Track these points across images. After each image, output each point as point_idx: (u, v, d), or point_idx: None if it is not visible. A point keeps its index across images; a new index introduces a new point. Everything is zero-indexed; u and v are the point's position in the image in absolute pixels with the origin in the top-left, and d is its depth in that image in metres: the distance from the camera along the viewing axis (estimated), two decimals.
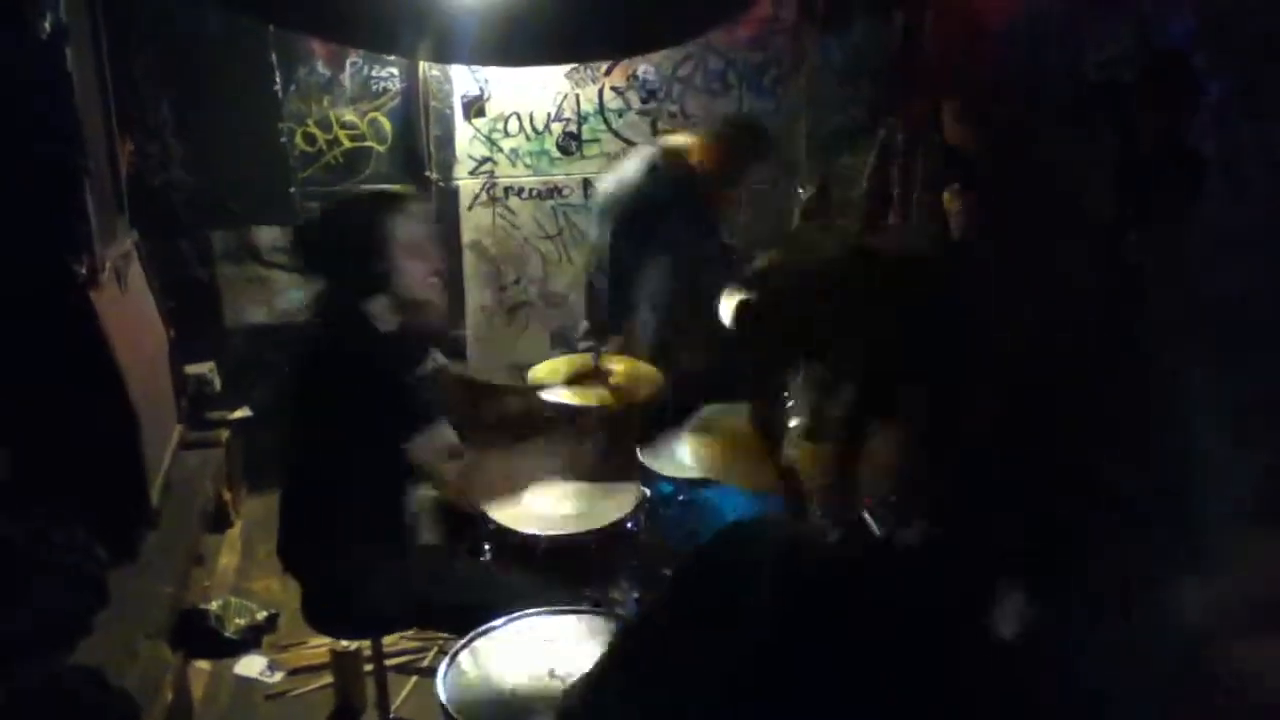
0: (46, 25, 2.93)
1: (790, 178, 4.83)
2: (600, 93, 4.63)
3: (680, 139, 3.78)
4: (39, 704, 2.58)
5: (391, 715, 3.06)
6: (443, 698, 2.11)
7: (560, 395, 3.13)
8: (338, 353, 2.57)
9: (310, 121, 4.48)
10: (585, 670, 1.21)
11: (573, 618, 2.37)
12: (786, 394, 2.12)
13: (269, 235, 4.56)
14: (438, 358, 2.83)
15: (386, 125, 4.54)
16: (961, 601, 0.99)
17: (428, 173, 4.57)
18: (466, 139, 4.60)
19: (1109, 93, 4.34)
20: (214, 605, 3.56)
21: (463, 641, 2.27)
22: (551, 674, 2.17)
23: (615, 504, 2.95)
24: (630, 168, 3.74)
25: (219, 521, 4.17)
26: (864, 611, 1.00)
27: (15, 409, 3.19)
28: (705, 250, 3.59)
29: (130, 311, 3.53)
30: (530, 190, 4.71)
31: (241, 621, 3.55)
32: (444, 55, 3.93)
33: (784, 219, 4.82)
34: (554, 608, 2.40)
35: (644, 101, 4.67)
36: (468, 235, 4.69)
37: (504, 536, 2.85)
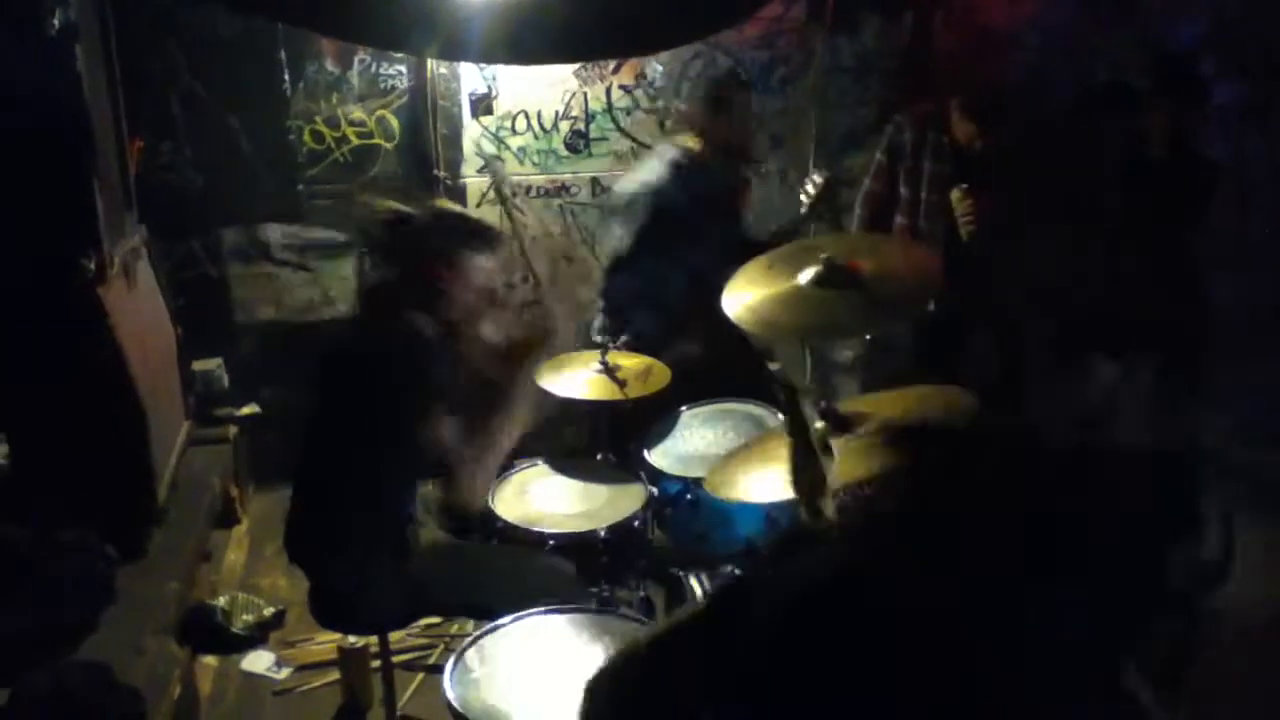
0: (56, 23, 2.94)
1: (799, 175, 4.82)
2: (608, 91, 4.63)
3: (692, 136, 3.78)
4: (47, 701, 2.59)
5: (398, 712, 3.07)
6: (450, 695, 2.11)
7: (568, 389, 3.13)
8: (375, 350, 2.59)
9: (318, 119, 4.48)
10: (607, 662, 1.21)
11: (579, 616, 2.38)
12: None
13: (277, 233, 4.56)
14: None
15: (394, 123, 4.54)
16: (979, 608, 0.99)
17: (436, 171, 4.58)
18: (474, 137, 4.60)
19: (1116, 95, 4.33)
20: (221, 601, 3.57)
21: (470, 639, 2.28)
22: (558, 672, 2.17)
23: (622, 503, 2.96)
24: (652, 168, 3.75)
25: (226, 518, 4.18)
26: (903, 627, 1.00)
27: (23, 405, 3.20)
28: (727, 246, 3.59)
29: (138, 308, 3.54)
30: (538, 189, 4.71)
31: (249, 618, 3.56)
32: (452, 53, 3.93)
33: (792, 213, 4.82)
34: (560, 606, 2.41)
35: (652, 100, 4.67)
36: None
37: (512, 535, 2.86)
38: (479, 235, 2.72)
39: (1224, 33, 4.57)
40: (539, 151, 4.66)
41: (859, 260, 2.48)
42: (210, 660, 3.49)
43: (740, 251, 3.45)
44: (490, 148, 4.61)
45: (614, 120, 4.67)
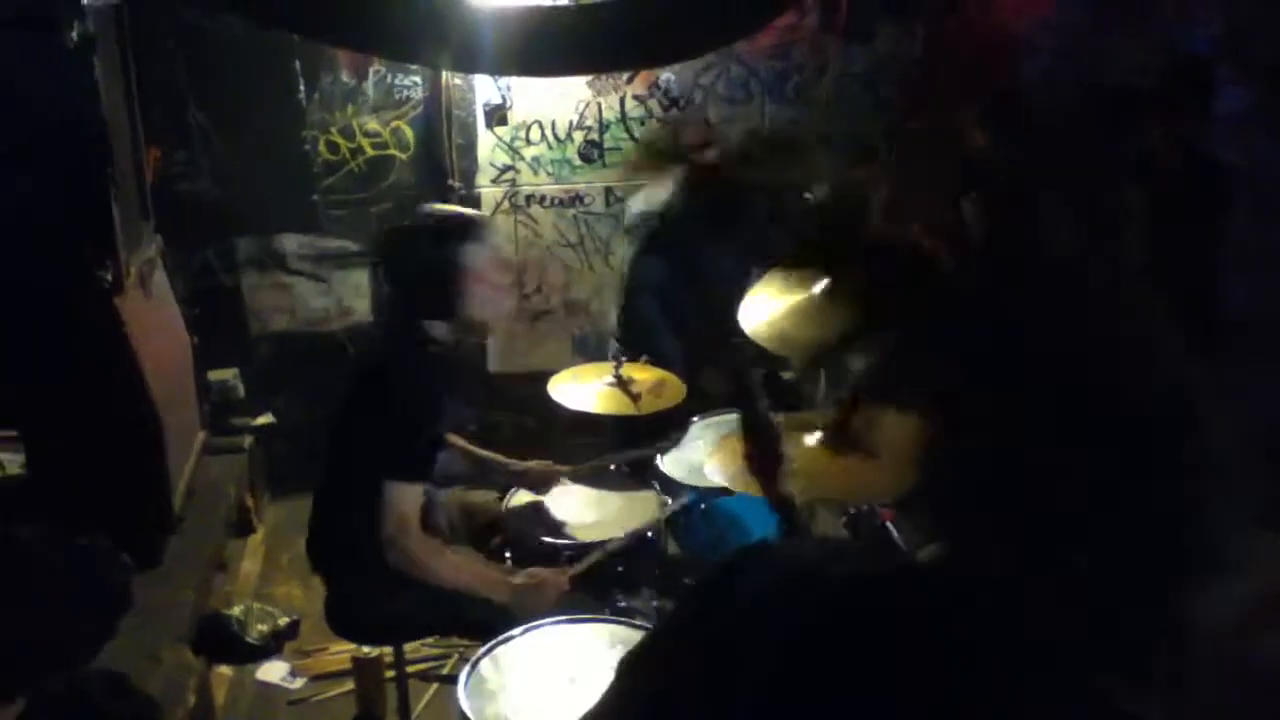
0: (74, 35, 2.96)
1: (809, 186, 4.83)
2: (622, 101, 4.64)
3: (710, 154, 3.76)
4: (63, 709, 2.59)
5: None
6: (464, 705, 2.11)
7: (581, 403, 3.13)
8: (392, 363, 2.63)
9: (334, 130, 4.51)
10: (600, 691, 1.21)
11: (594, 626, 2.37)
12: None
13: (293, 243, 4.58)
14: None
15: (409, 134, 4.56)
16: (992, 625, 0.98)
17: (450, 181, 4.59)
18: (489, 147, 4.61)
19: (1128, 100, 4.32)
20: (236, 611, 3.57)
21: (484, 649, 2.27)
22: (572, 682, 2.16)
23: (636, 513, 2.95)
24: (669, 185, 3.74)
25: (241, 527, 4.19)
26: (900, 636, 0.99)
27: (40, 414, 3.22)
28: (738, 268, 3.57)
29: (154, 318, 3.55)
30: (552, 198, 4.72)
31: (263, 627, 3.56)
32: (467, 64, 3.94)
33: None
34: (575, 616, 2.40)
35: (666, 110, 4.67)
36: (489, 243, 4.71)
37: (527, 544, 2.86)
38: (467, 227, 2.71)
39: (1236, 37, 4.54)
40: (553, 161, 4.67)
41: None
42: (225, 670, 3.50)
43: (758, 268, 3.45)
44: (505, 157, 4.62)
45: (628, 130, 4.68)
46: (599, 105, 4.62)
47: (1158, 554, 0.96)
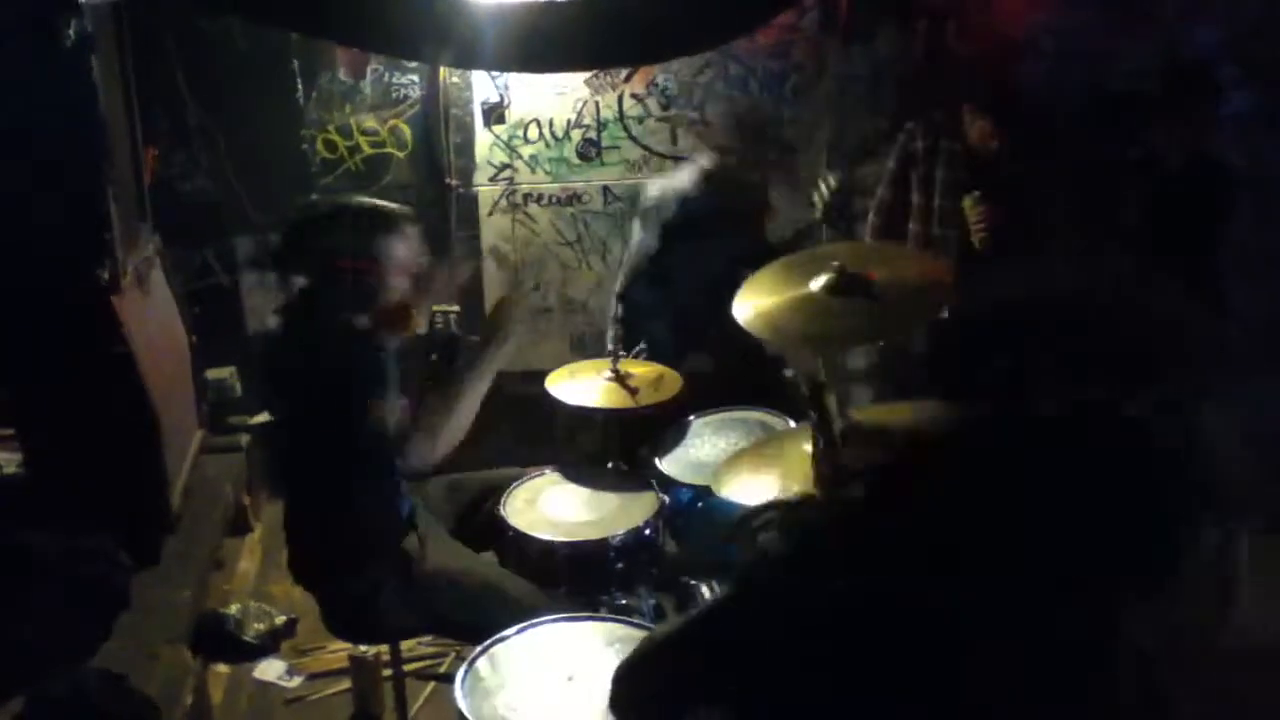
0: (71, 35, 2.96)
1: (811, 184, 4.84)
2: (620, 99, 4.63)
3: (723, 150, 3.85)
4: (61, 708, 2.59)
5: None
6: (461, 704, 2.11)
7: (579, 398, 3.13)
8: (305, 360, 2.56)
9: (331, 128, 4.50)
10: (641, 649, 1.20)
11: (591, 624, 2.37)
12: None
13: None
14: None
15: (407, 132, 4.56)
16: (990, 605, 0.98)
17: (448, 179, 4.59)
18: (486, 146, 4.61)
19: (1131, 103, 4.31)
20: (233, 610, 3.57)
21: (481, 648, 2.27)
22: (569, 680, 2.16)
23: (634, 511, 2.95)
24: (683, 176, 3.79)
25: (239, 526, 4.18)
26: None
27: (38, 413, 3.22)
28: (745, 260, 3.60)
29: (152, 317, 3.55)
30: (550, 197, 4.72)
31: (260, 626, 3.56)
32: (465, 62, 3.94)
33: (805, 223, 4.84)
34: (572, 614, 2.40)
35: (664, 108, 4.67)
36: (487, 241, 4.71)
37: (522, 543, 2.86)
38: (385, 218, 2.64)
39: (1242, 39, 4.54)
40: (551, 160, 4.66)
41: (871, 269, 2.48)
42: (222, 668, 3.50)
43: (757, 266, 3.46)
44: (503, 156, 4.62)
45: (625, 129, 4.67)
46: (597, 104, 4.62)
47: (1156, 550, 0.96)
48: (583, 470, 3.20)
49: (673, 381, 3.20)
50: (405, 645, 3.01)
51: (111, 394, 3.17)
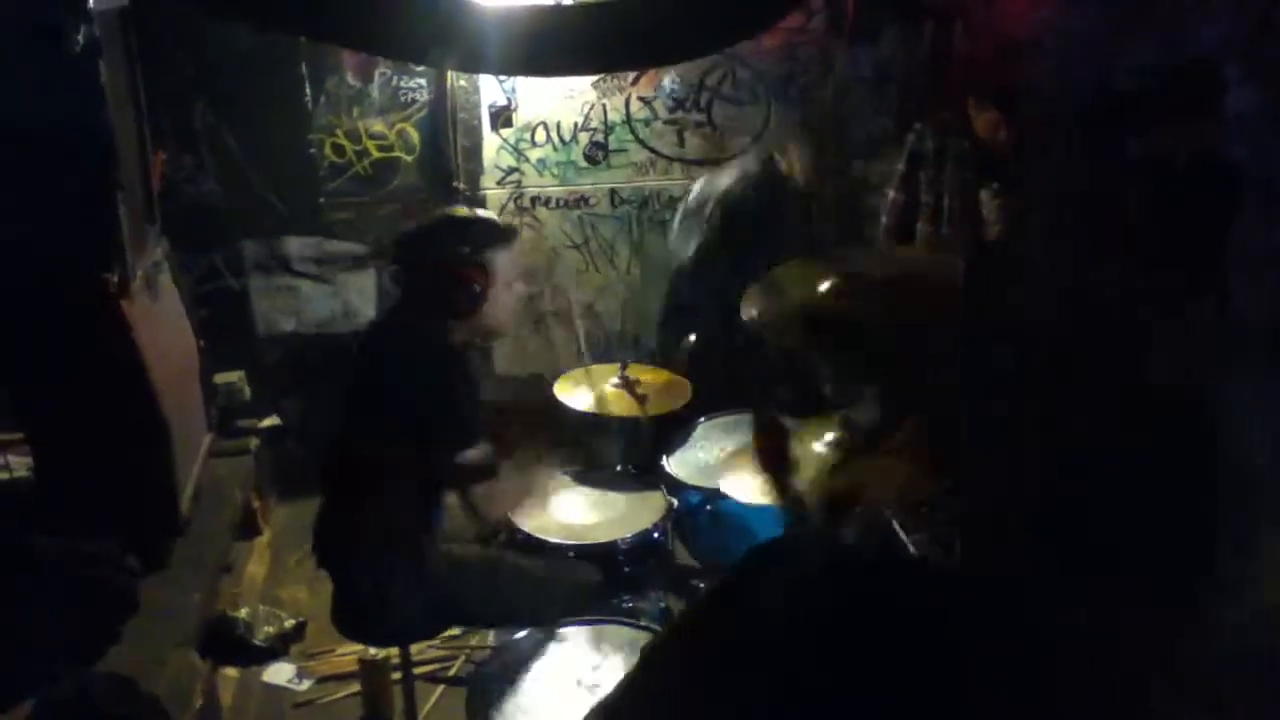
0: (80, 40, 2.96)
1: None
2: (627, 102, 4.63)
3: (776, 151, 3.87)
4: (68, 712, 2.59)
5: None
6: (471, 707, 2.11)
7: (588, 404, 3.13)
8: (402, 360, 2.61)
9: (339, 132, 4.51)
10: (610, 690, 1.21)
11: (601, 629, 2.37)
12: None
13: (299, 245, 4.59)
14: None
15: (414, 136, 4.56)
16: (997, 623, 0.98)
17: (455, 183, 4.59)
18: (494, 149, 4.61)
19: (1135, 102, 4.29)
20: (242, 613, 3.57)
21: (491, 651, 2.27)
22: (578, 684, 2.16)
23: (642, 514, 2.95)
24: (733, 174, 3.82)
25: (247, 530, 4.19)
26: (907, 636, 0.99)
27: (47, 417, 3.22)
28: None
29: (161, 321, 3.56)
30: (557, 200, 4.72)
31: (270, 629, 3.56)
32: (472, 65, 3.95)
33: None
34: (580, 618, 2.40)
35: (671, 111, 4.67)
36: None
37: (533, 546, 2.86)
38: (500, 232, 2.72)
39: (1247, 37, 4.52)
40: (558, 163, 4.67)
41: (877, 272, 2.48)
42: (232, 672, 3.50)
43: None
44: (510, 159, 4.63)
45: (633, 131, 4.67)
46: (604, 107, 4.62)
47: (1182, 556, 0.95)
48: (591, 473, 3.20)
49: (681, 389, 3.19)
50: (415, 648, 3.01)
51: (120, 398, 3.17)
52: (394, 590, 2.60)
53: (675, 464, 3.18)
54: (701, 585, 2.90)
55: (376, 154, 4.55)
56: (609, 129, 4.66)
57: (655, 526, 2.89)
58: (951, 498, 1.05)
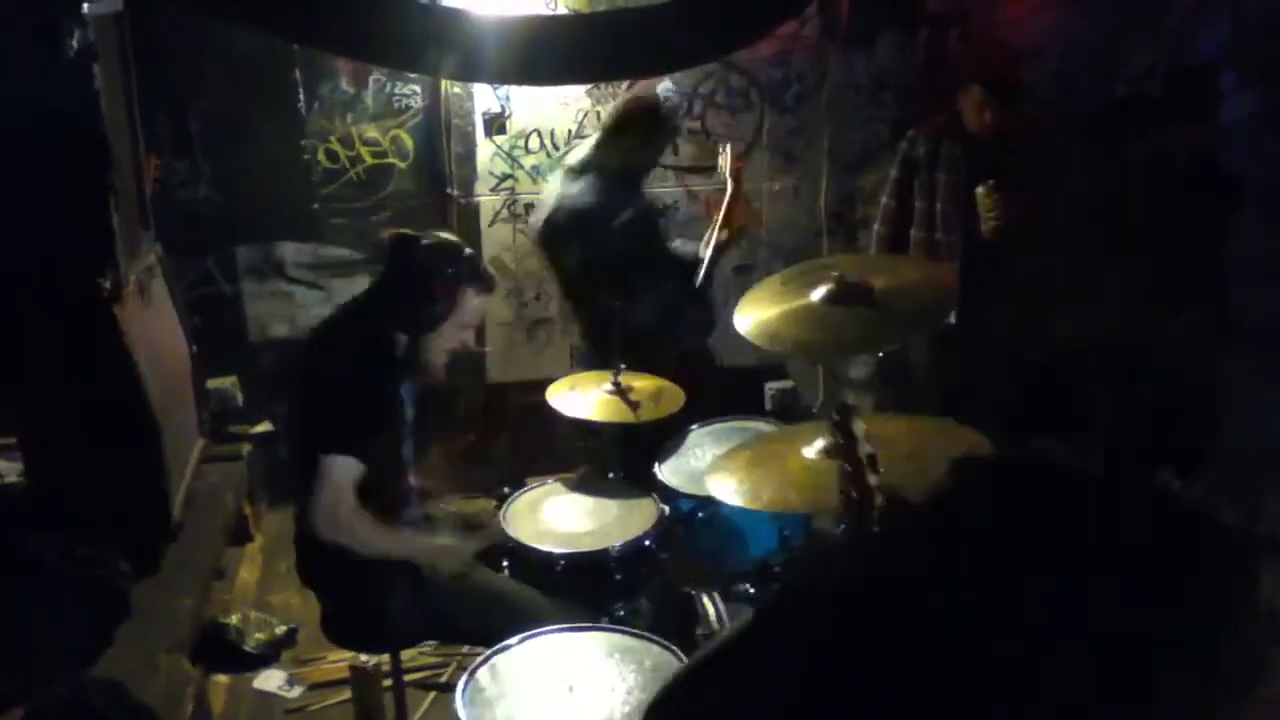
0: (74, 44, 2.97)
1: (812, 192, 4.85)
2: None
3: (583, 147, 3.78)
4: (62, 717, 2.59)
5: None
6: (462, 714, 2.10)
7: (580, 411, 3.13)
8: (344, 355, 2.65)
9: (333, 138, 4.51)
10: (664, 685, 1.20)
11: (592, 635, 2.37)
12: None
13: (292, 251, 4.58)
14: None
15: (408, 142, 4.56)
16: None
17: (449, 189, 4.59)
18: (488, 156, 4.62)
19: (1136, 106, 4.31)
20: (234, 619, 3.57)
21: (482, 658, 2.27)
22: (570, 691, 2.16)
23: (634, 521, 2.95)
24: (555, 184, 3.77)
25: (239, 535, 4.18)
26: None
27: (39, 422, 3.22)
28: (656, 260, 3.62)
29: (153, 326, 3.55)
30: None
31: (261, 636, 3.56)
32: (466, 74, 3.95)
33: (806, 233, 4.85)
34: (572, 625, 2.40)
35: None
36: (488, 251, 4.70)
37: (523, 554, 2.86)
38: (484, 280, 2.83)
39: (1247, 42, 4.54)
40: (552, 170, 4.66)
41: (872, 278, 2.49)
42: (223, 678, 3.50)
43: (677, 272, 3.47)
44: (504, 166, 4.63)
45: None
46: (598, 114, 4.62)
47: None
48: (583, 480, 3.20)
49: (674, 396, 3.19)
50: (406, 655, 3.00)
51: (113, 402, 3.17)
52: (381, 601, 2.60)
53: (667, 471, 3.18)
54: (692, 592, 2.89)
55: (370, 160, 4.55)
56: None
57: (647, 534, 2.89)
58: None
